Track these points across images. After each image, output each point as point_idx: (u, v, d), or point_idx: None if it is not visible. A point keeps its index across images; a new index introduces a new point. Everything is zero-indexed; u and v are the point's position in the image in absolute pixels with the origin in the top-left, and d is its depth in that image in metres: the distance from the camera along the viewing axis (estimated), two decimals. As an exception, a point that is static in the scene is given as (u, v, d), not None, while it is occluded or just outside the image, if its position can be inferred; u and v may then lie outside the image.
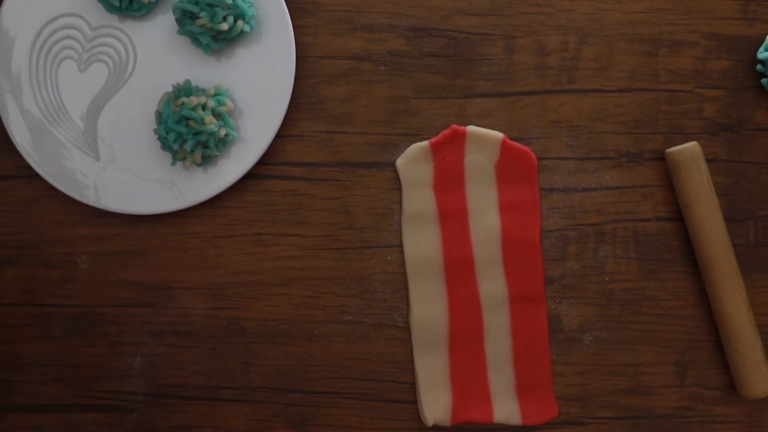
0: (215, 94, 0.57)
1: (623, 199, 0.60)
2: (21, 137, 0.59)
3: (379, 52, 0.60)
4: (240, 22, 0.56)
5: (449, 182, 0.59)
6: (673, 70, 0.60)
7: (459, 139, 0.59)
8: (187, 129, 0.56)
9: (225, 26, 0.56)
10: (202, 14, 0.56)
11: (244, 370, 0.60)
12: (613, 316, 0.60)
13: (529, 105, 0.60)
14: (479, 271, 0.60)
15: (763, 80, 0.59)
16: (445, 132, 0.59)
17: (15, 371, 0.60)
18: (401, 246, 0.60)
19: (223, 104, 0.57)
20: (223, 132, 0.57)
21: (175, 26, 0.59)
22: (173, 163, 0.58)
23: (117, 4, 0.57)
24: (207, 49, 0.58)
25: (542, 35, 0.60)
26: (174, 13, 0.56)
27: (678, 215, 0.60)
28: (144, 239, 0.60)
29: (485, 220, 0.59)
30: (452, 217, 0.59)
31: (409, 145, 0.60)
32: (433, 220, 0.59)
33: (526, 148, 0.59)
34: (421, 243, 0.60)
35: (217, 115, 0.57)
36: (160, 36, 0.59)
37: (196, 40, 0.58)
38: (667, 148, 0.60)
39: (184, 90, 0.57)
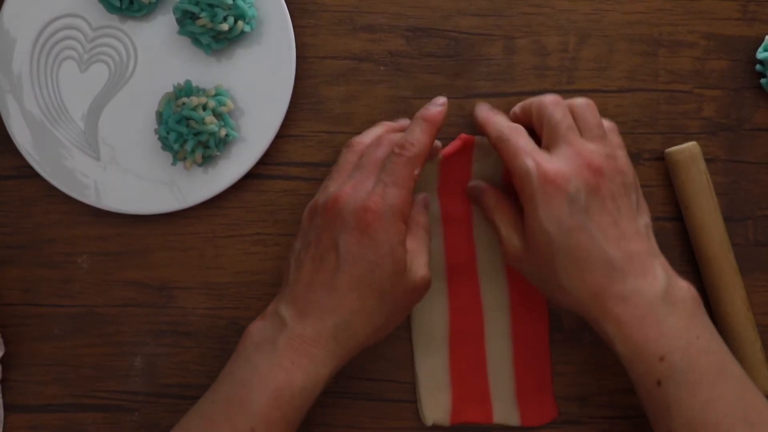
0: (216, 95, 0.58)
1: (623, 199, 0.60)
2: (22, 137, 0.59)
3: (379, 52, 0.60)
4: (240, 23, 0.57)
5: (454, 187, 0.59)
6: (673, 71, 0.61)
7: (467, 148, 0.59)
8: (188, 129, 0.56)
9: (225, 26, 0.56)
10: (203, 15, 0.56)
11: (245, 370, 0.60)
12: (613, 316, 0.60)
13: (528, 105, 0.60)
14: (481, 273, 0.60)
15: (763, 80, 0.60)
16: (455, 142, 0.58)
17: (15, 371, 0.60)
18: (401, 246, 0.60)
19: (224, 104, 0.57)
20: (223, 132, 0.57)
21: (175, 27, 0.59)
22: (174, 164, 0.58)
23: (117, 4, 0.57)
24: (207, 49, 0.58)
25: (542, 35, 0.60)
26: (174, 13, 0.57)
27: (677, 215, 0.61)
28: (144, 239, 0.60)
29: (489, 223, 0.59)
30: (456, 220, 0.59)
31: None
32: (436, 221, 0.59)
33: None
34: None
35: (218, 116, 0.57)
36: (161, 36, 0.59)
37: (196, 41, 0.58)
38: (667, 148, 0.60)
39: (185, 90, 0.57)
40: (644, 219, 0.52)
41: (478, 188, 0.57)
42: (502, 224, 0.54)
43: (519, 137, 0.52)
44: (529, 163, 0.51)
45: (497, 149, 0.53)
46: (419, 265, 0.52)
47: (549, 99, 0.54)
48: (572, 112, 0.53)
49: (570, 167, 0.50)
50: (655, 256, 0.51)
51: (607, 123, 0.55)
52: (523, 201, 0.52)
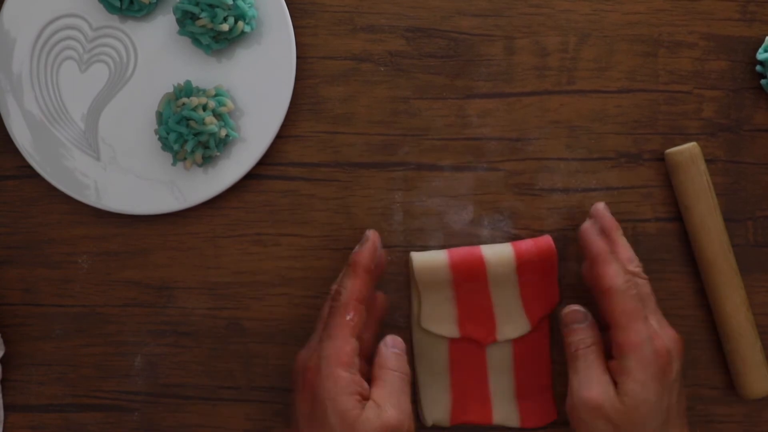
0: (216, 95, 0.58)
1: (623, 199, 0.60)
2: (22, 137, 0.59)
3: (379, 52, 0.60)
4: (240, 23, 0.57)
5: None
6: (673, 71, 0.61)
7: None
8: (188, 129, 0.56)
9: (225, 27, 0.56)
10: (203, 15, 0.56)
11: (244, 370, 0.60)
12: (613, 317, 0.60)
13: (528, 105, 0.60)
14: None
15: (762, 81, 0.60)
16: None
17: (15, 371, 0.60)
18: (401, 246, 0.60)
19: (224, 105, 0.57)
20: (223, 132, 0.57)
21: (175, 27, 0.59)
22: (174, 164, 0.58)
23: (118, 4, 0.57)
24: (207, 49, 0.58)
25: (542, 36, 0.60)
26: (174, 13, 0.57)
27: (677, 216, 0.61)
28: (144, 239, 0.60)
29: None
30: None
31: (409, 145, 0.60)
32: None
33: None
34: (430, 255, 0.59)
35: (218, 116, 0.57)
36: (161, 36, 0.59)
37: (196, 41, 0.58)
38: (667, 148, 0.60)
39: (185, 90, 0.57)
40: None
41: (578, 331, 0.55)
42: (601, 373, 0.53)
43: (631, 296, 0.52)
44: (644, 332, 0.51)
45: (602, 298, 0.53)
46: (383, 411, 0.51)
47: (620, 285, 0.53)
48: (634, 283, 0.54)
49: (673, 346, 0.52)
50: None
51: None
52: (629, 362, 0.51)
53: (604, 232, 0.56)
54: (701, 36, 0.61)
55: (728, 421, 0.60)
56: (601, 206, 0.57)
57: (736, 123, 0.61)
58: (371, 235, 0.55)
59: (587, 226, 0.55)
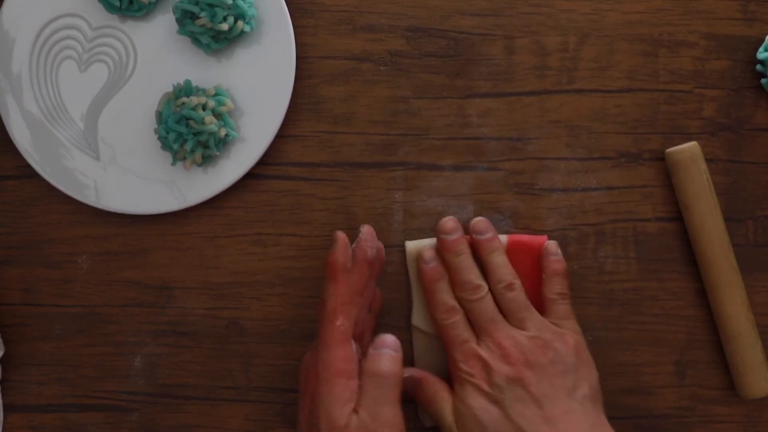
0: (215, 94, 0.58)
1: (623, 199, 0.60)
2: (21, 137, 0.59)
3: (379, 52, 0.60)
4: (240, 23, 0.57)
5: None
6: (673, 70, 0.61)
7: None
8: (188, 129, 0.56)
9: (225, 26, 0.56)
10: (203, 14, 0.56)
11: (244, 370, 0.60)
12: (613, 316, 0.60)
13: (528, 105, 0.60)
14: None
15: (763, 80, 0.59)
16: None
17: (15, 371, 0.60)
18: (401, 246, 0.60)
19: (224, 104, 0.57)
20: (223, 132, 0.57)
21: (175, 26, 0.59)
22: (173, 163, 0.58)
23: (117, 4, 0.57)
24: (207, 49, 0.58)
25: (542, 35, 0.60)
26: (174, 13, 0.57)
27: (678, 215, 0.61)
28: (144, 239, 0.60)
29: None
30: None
31: (409, 145, 0.60)
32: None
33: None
34: (423, 243, 0.59)
35: (218, 115, 0.57)
36: (161, 36, 0.59)
37: (196, 40, 0.58)
38: (667, 148, 0.60)
39: (185, 90, 0.57)
40: (582, 390, 0.53)
41: (414, 379, 0.56)
42: (443, 414, 0.54)
43: (453, 327, 0.55)
44: (458, 356, 0.54)
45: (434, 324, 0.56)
46: (362, 421, 0.50)
47: (476, 305, 0.55)
48: (497, 299, 0.55)
49: (491, 361, 0.53)
50: (594, 426, 0.52)
51: (558, 287, 0.56)
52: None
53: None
54: (702, 35, 0.61)
55: (728, 422, 0.60)
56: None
57: (737, 122, 0.60)
58: (340, 235, 0.55)
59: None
